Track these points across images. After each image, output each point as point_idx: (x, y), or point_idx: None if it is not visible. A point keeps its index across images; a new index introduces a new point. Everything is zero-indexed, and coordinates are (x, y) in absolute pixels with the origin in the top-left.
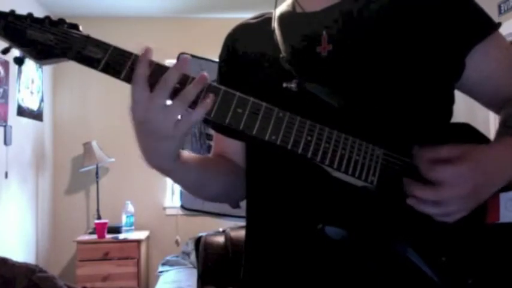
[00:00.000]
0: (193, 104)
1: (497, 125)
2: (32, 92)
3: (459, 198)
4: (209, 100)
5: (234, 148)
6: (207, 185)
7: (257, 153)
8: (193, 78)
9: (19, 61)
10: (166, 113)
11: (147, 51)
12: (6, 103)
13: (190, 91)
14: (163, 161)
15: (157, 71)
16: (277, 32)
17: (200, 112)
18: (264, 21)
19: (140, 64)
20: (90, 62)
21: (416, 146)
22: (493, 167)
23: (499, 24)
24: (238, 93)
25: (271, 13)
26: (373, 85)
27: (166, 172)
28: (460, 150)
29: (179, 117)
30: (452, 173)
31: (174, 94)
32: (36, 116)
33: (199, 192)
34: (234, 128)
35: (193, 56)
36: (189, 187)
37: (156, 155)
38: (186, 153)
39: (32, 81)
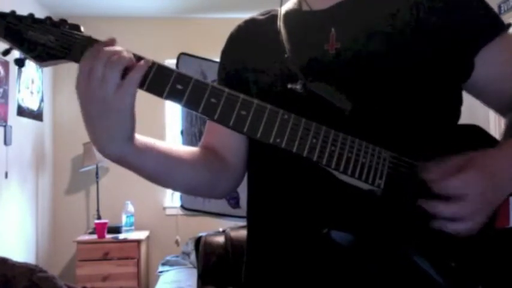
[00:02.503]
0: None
1: (498, 126)
2: (32, 92)
3: (472, 209)
4: (142, 63)
5: (225, 142)
6: (171, 174)
7: (261, 154)
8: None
9: (20, 63)
10: (102, 82)
11: (111, 41)
12: (6, 103)
13: (119, 60)
14: (114, 144)
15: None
16: (283, 31)
17: (134, 77)
18: (270, 19)
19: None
20: None
21: (424, 147)
22: (501, 171)
23: (508, 25)
24: (242, 96)
25: (277, 10)
26: (381, 84)
27: (120, 159)
28: (465, 158)
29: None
30: (458, 183)
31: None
32: (36, 116)
33: (163, 181)
34: (238, 131)
35: (193, 56)
36: (151, 176)
37: (106, 137)
38: (145, 139)
39: (32, 81)
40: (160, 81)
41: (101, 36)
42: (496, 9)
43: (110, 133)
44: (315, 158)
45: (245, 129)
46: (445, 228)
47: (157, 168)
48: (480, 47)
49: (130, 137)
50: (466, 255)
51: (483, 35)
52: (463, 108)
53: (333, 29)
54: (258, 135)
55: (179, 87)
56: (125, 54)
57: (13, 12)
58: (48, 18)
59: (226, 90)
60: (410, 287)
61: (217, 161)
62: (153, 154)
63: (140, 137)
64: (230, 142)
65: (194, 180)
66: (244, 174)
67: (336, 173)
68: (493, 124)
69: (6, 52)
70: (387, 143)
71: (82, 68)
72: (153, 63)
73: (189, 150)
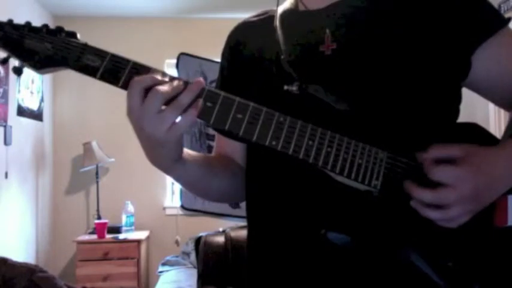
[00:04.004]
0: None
1: (497, 124)
2: (32, 92)
3: (459, 201)
4: (200, 104)
5: (236, 149)
6: (209, 184)
7: (258, 156)
8: (186, 83)
9: (18, 71)
10: (159, 121)
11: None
12: (6, 103)
13: (183, 99)
14: (163, 162)
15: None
16: (279, 32)
17: (191, 117)
18: (267, 20)
19: (142, 73)
20: (88, 70)
21: (422, 146)
22: (498, 171)
23: (508, 20)
24: (238, 99)
25: (274, 11)
26: (378, 84)
27: (166, 171)
28: (464, 150)
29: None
30: (451, 174)
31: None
32: (36, 116)
33: (202, 191)
34: (234, 134)
35: (193, 56)
36: (191, 186)
37: (156, 157)
38: (188, 152)
39: (32, 81)
40: None
41: (102, 37)
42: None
43: (157, 156)
44: (311, 160)
45: (241, 133)
46: (421, 212)
47: (200, 179)
48: (477, 44)
49: (179, 158)
50: (463, 254)
51: (480, 33)
52: (463, 107)
53: (327, 30)
54: (254, 138)
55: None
56: (184, 95)
57: (10, 21)
58: (45, 26)
59: (222, 93)
60: (407, 286)
61: (236, 166)
62: (196, 166)
63: (185, 150)
64: (240, 148)
65: (232, 186)
66: None
67: (332, 174)
68: (493, 122)
69: (4, 61)
70: (384, 143)
71: (134, 96)
72: (148, 68)
73: (221, 159)
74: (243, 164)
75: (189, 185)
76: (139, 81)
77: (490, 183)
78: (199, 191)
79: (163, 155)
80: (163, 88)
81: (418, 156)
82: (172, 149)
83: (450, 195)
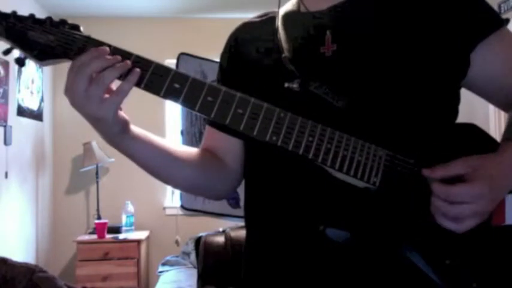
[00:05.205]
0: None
1: (497, 124)
2: (32, 92)
3: (475, 216)
4: (133, 77)
5: (223, 145)
6: (170, 170)
7: (257, 153)
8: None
9: (20, 62)
10: (86, 99)
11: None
12: (6, 103)
13: (106, 74)
14: (107, 137)
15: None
16: (281, 32)
17: (123, 90)
18: (268, 20)
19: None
20: None
21: (421, 145)
22: (504, 178)
23: (506, 21)
24: (239, 94)
25: (275, 12)
26: (378, 85)
27: (119, 148)
28: (469, 165)
29: (103, 96)
30: (469, 193)
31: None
32: (36, 116)
33: (163, 176)
34: (235, 129)
35: (193, 56)
36: (148, 168)
37: (100, 132)
38: (143, 132)
39: (32, 81)
40: (158, 80)
41: (101, 37)
42: (496, 8)
43: (100, 131)
44: (310, 156)
45: (241, 127)
46: (438, 219)
47: (156, 161)
48: (476, 43)
49: (122, 132)
50: (461, 253)
51: (479, 31)
52: (463, 107)
53: (328, 32)
54: (254, 133)
55: (176, 85)
56: (110, 71)
57: (14, 13)
58: (49, 19)
59: (224, 88)
60: (405, 284)
61: (215, 162)
62: (150, 145)
63: (137, 129)
64: (228, 146)
65: (192, 178)
66: (242, 178)
67: (331, 170)
68: (493, 122)
69: (7, 51)
70: (384, 142)
71: (68, 77)
72: (151, 62)
73: (188, 149)
74: (231, 162)
75: (146, 166)
76: (75, 62)
77: (498, 194)
78: (160, 175)
79: (103, 132)
80: (90, 65)
81: (424, 174)
82: (109, 125)
83: (468, 211)
